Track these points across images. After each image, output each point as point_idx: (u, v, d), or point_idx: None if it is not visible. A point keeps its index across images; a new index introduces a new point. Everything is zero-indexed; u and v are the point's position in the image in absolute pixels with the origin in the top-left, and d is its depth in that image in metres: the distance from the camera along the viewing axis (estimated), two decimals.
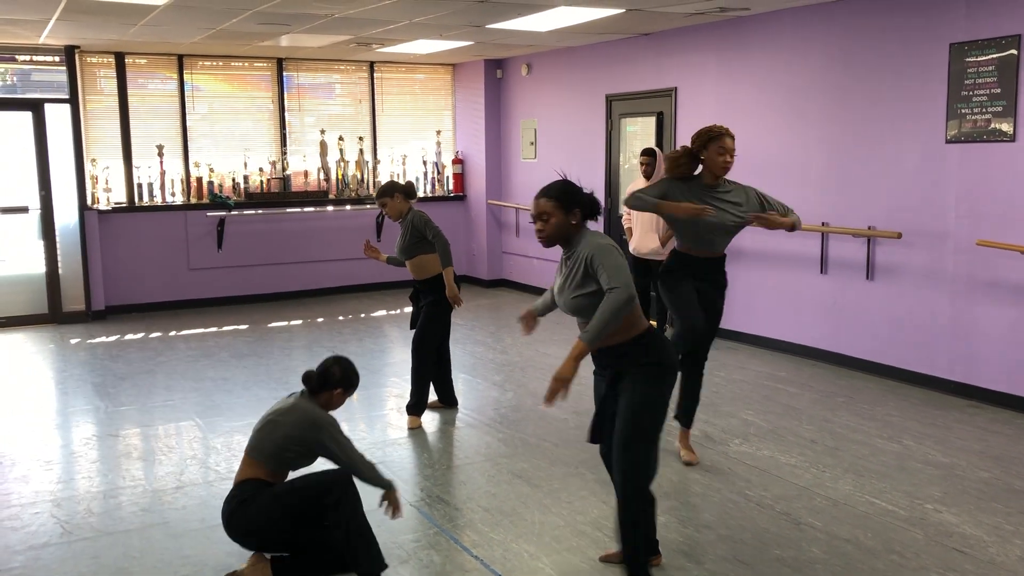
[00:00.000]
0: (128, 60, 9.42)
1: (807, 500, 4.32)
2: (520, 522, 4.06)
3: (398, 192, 5.46)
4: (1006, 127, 5.65)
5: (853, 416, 5.65)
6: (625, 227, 7.98)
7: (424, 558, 3.75)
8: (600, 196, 9.14)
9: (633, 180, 8.10)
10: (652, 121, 8.50)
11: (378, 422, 5.66)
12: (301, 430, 3.47)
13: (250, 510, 3.40)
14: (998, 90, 5.67)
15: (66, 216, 9.02)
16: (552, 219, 3.25)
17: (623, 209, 8.08)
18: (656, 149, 7.73)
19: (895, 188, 6.37)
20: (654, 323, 7.99)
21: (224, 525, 3.50)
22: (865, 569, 3.61)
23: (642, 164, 7.70)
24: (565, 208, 3.25)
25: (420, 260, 5.46)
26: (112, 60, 9.34)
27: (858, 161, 6.63)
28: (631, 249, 7.91)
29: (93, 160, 9.29)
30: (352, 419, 5.70)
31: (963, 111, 5.89)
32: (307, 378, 3.61)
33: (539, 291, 10.40)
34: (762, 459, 4.91)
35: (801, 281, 7.13)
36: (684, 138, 8.21)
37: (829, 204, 6.85)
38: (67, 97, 8.89)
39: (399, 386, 6.32)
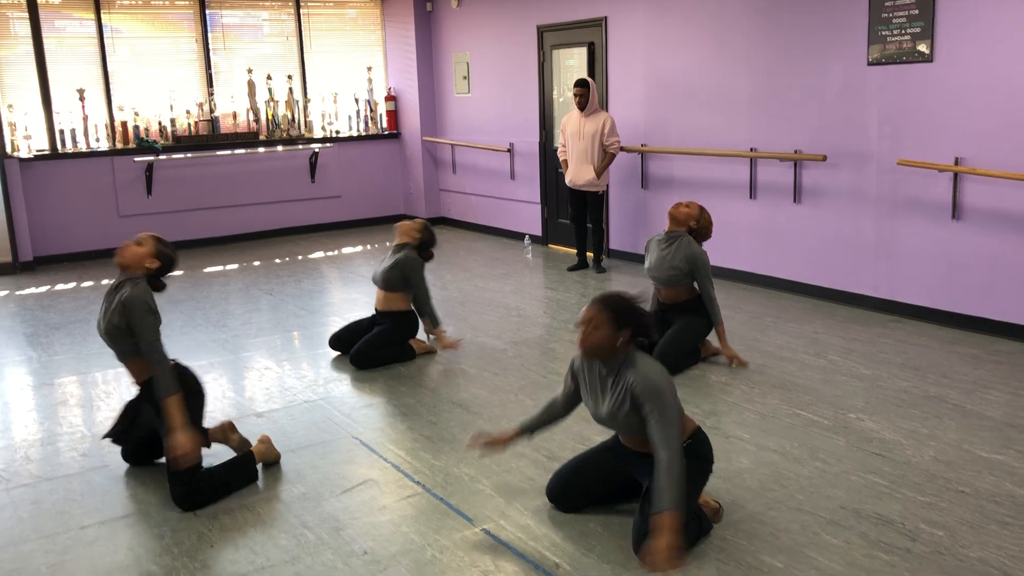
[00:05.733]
0: (41, 0, 9.02)
1: (736, 415, 4.49)
2: (460, 448, 4.15)
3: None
4: (924, 48, 5.79)
5: (781, 335, 5.85)
6: (561, 159, 8.02)
7: (365, 488, 3.82)
8: (534, 128, 9.21)
9: (567, 112, 8.10)
10: (584, 52, 8.48)
11: (321, 359, 5.68)
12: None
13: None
14: (916, 11, 5.78)
15: None
16: (599, 331, 3.09)
17: (559, 142, 8.10)
18: (589, 80, 7.74)
19: (820, 112, 6.50)
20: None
21: None
22: (791, 475, 3.80)
23: (576, 96, 7.71)
24: (617, 324, 3.09)
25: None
26: (23, 1, 8.94)
27: (784, 87, 6.73)
28: (567, 181, 7.96)
29: (10, 106, 8.96)
30: (294, 358, 5.71)
31: (883, 33, 6.00)
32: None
33: (477, 228, 10.41)
34: (694, 377, 5.08)
35: (731, 207, 7.27)
36: (615, 69, 8.22)
37: (757, 130, 6.96)
38: None
39: (338, 324, 6.32)
